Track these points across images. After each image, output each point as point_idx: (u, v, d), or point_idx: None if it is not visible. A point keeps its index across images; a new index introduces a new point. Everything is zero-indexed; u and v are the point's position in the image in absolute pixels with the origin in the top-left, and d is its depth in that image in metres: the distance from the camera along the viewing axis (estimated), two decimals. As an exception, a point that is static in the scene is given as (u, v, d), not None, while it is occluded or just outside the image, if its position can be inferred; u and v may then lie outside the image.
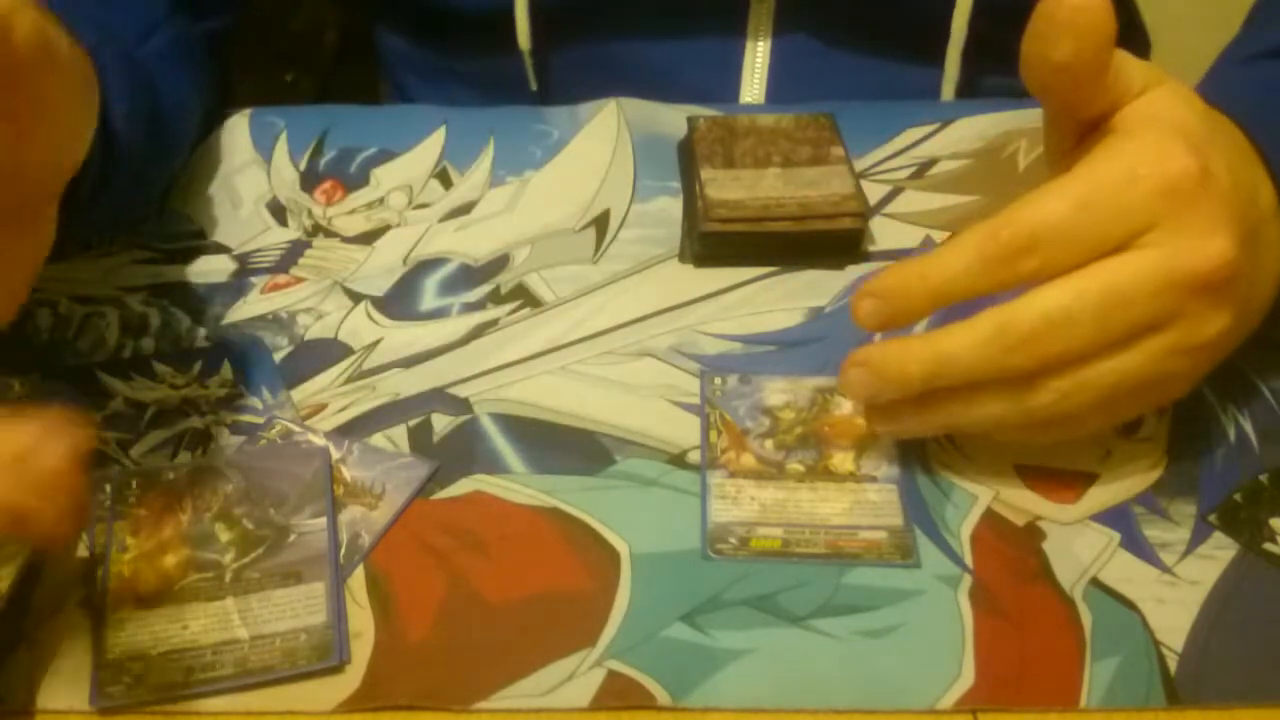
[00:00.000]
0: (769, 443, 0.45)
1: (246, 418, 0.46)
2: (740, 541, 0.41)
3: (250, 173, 0.59)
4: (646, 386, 0.47)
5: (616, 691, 0.37)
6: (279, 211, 0.56)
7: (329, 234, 0.55)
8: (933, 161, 0.58)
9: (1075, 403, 0.39)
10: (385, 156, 0.59)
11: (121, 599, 0.39)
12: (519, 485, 0.44)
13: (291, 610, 0.39)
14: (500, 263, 0.53)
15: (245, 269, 0.53)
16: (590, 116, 0.61)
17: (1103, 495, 0.43)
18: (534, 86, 0.67)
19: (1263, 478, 0.44)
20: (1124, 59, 0.39)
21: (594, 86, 0.62)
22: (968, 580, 0.40)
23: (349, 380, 0.48)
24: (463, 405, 0.47)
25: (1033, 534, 0.42)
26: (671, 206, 0.56)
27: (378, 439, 0.45)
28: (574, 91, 0.62)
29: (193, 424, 0.46)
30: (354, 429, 0.46)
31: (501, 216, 0.56)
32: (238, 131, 0.61)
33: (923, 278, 0.39)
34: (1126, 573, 0.41)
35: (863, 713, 0.37)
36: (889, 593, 0.40)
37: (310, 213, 0.56)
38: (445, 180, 0.58)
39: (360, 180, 0.58)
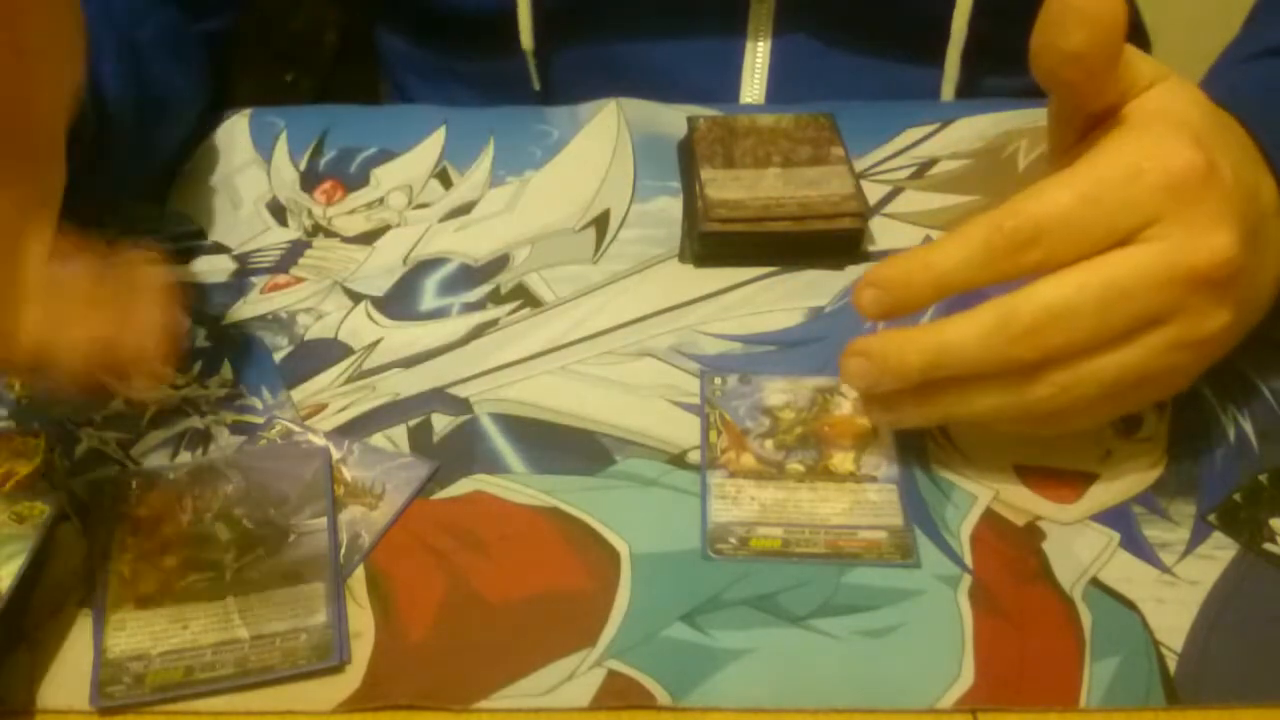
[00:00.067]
0: (769, 443, 0.45)
1: (246, 418, 0.46)
2: (740, 541, 0.41)
3: (250, 173, 0.59)
4: (646, 386, 0.47)
5: (616, 691, 0.37)
6: (279, 211, 0.56)
7: (329, 234, 0.55)
8: (933, 161, 0.58)
9: (1074, 396, 0.39)
10: (385, 156, 0.59)
11: (121, 599, 0.39)
12: (519, 485, 0.44)
13: (291, 610, 0.39)
14: (500, 263, 0.53)
15: (245, 269, 0.53)
16: (590, 116, 0.61)
17: (1103, 495, 0.43)
18: (537, 87, 0.67)
19: (1263, 478, 0.44)
20: (1132, 53, 0.39)
21: (594, 86, 0.62)
22: (967, 580, 0.40)
23: (349, 380, 0.48)
24: (463, 405, 0.47)
25: (1033, 534, 0.42)
26: (671, 206, 0.56)
27: (378, 439, 0.45)
28: (574, 91, 0.62)
29: (193, 424, 0.46)
30: (354, 429, 0.46)
31: (501, 216, 0.56)
32: (238, 131, 0.61)
33: (926, 267, 0.39)
34: (1126, 573, 0.41)
35: (863, 713, 0.37)
36: (889, 593, 0.40)
37: (310, 213, 0.56)
38: (445, 180, 0.58)
39: (360, 180, 0.58)
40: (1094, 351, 0.38)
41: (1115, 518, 0.42)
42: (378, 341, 0.50)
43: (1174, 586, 0.40)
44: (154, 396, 0.40)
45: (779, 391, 0.47)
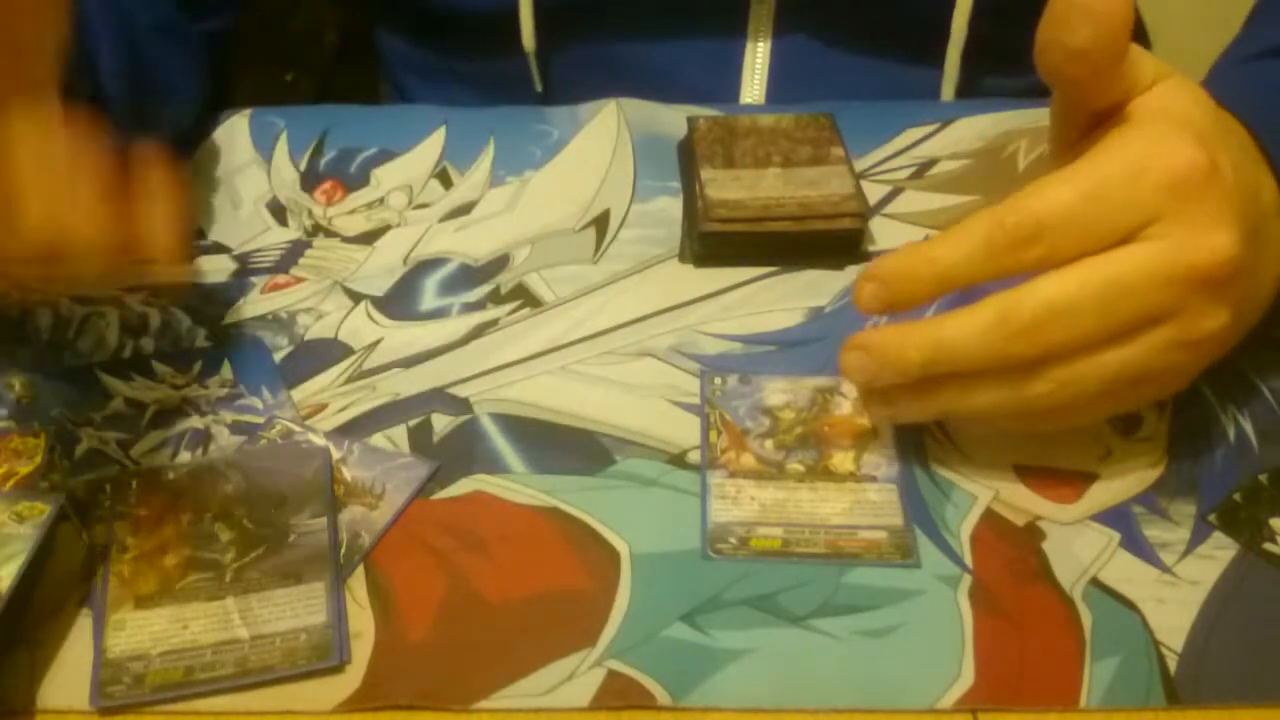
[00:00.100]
0: (769, 443, 0.45)
1: (246, 418, 0.46)
2: (740, 541, 0.41)
3: (250, 173, 0.59)
4: (646, 386, 0.47)
5: (616, 691, 0.37)
6: (279, 211, 0.56)
7: (329, 234, 0.55)
8: (933, 161, 0.58)
9: (1074, 393, 0.39)
10: (385, 156, 0.59)
11: (121, 599, 0.39)
12: (519, 485, 0.44)
13: (291, 610, 0.39)
14: (500, 263, 0.53)
15: (245, 269, 0.53)
16: (590, 116, 0.61)
17: (1103, 495, 0.43)
18: (539, 87, 0.67)
19: (1263, 478, 0.44)
20: (1136, 52, 0.39)
21: (594, 87, 0.62)
22: (967, 580, 0.40)
23: (349, 380, 0.48)
24: (463, 405, 0.47)
25: (1033, 534, 0.42)
26: (671, 206, 0.56)
27: (378, 439, 0.45)
28: (574, 92, 0.62)
29: (193, 424, 0.46)
30: (354, 429, 0.46)
31: (501, 216, 0.56)
32: (238, 131, 0.61)
33: (927, 262, 0.39)
34: (1126, 573, 0.41)
35: (863, 713, 0.37)
36: (889, 593, 0.40)
37: (310, 213, 0.56)
38: (445, 180, 0.58)
39: (360, 180, 0.58)
40: (1094, 349, 0.38)
41: (1115, 518, 0.42)
42: (378, 341, 0.50)
43: (1174, 586, 0.40)
44: (180, 279, 0.41)
45: (779, 391, 0.47)
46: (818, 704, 0.37)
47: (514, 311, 0.51)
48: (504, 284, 0.52)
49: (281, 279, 0.53)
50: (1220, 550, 0.41)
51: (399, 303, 0.51)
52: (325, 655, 0.38)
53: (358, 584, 0.40)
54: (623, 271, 0.53)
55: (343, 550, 0.41)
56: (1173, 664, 0.38)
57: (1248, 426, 0.46)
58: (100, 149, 0.37)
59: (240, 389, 0.47)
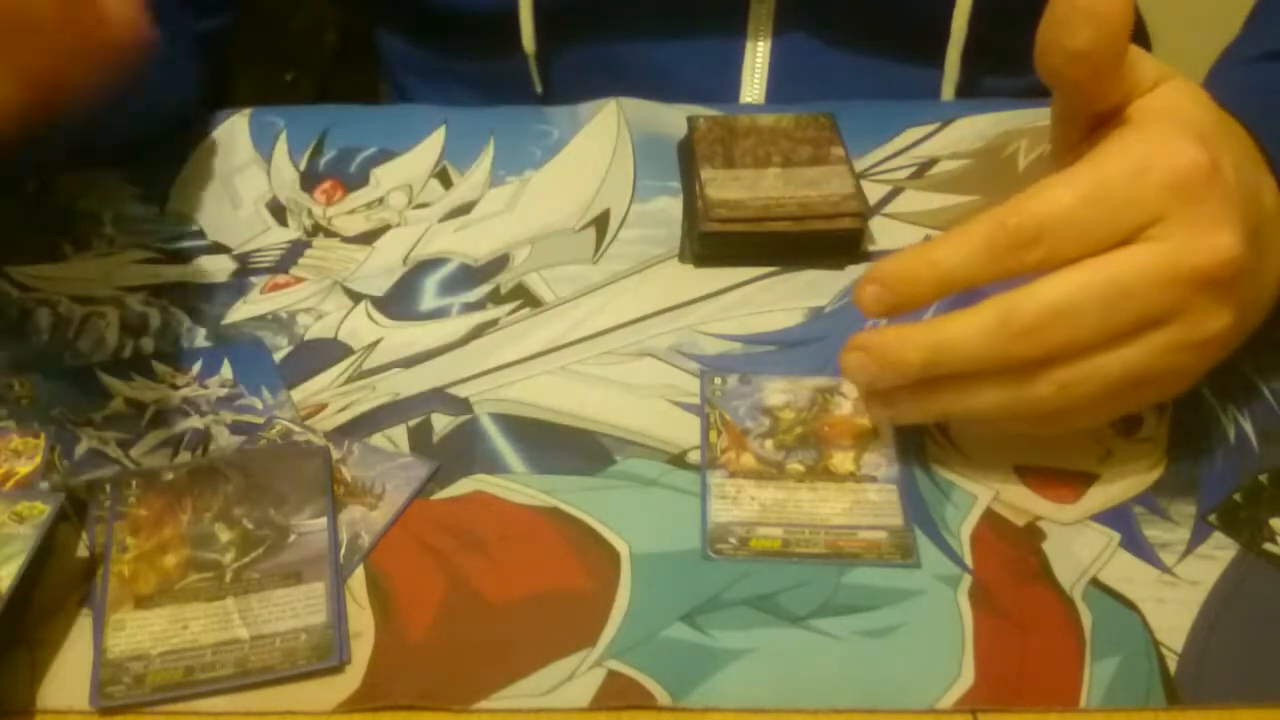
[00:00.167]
0: (769, 443, 0.45)
1: (246, 418, 0.46)
2: (740, 541, 0.41)
3: (250, 172, 0.59)
4: (646, 386, 0.47)
5: (616, 691, 0.37)
6: (279, 211, 0.56)
7: (329, 234, 0.55)
8: (933, 161, 0.58)
9: (1075, 395, 0.39)
10: (385, 156, 0.59)
11: (121, 599, 0.39)
12: (519, 485, 0.44)
13: (291, 610, 0.39)
14: (500, 263, 0.53)
15: (245, 269, 0.53)
16: (590, 116, 0.61)
17: (1103, 495, 0.43)
18: (539, 88, 0.67)
19: (1263, 478, 0.44)
20: (1136, 53, 0.39)
21: (594, 87, 0.62)
22: (967, 580, 0.40)
23: (349, 380, 0.48)
24: (463, 405, 0.47)
25: (1033, 534, 0.42)
26: (671, 206, 0.56)
27: (378, 439, 0.45)
28: (574, 92, 0.62)
29: (193, 424, 0.46)
30: (354, 429, 0.46)
31: (501, 216, 0.56)
32: (238, 131, 0.61)
33: (929, 265, 0.39)
34: (1126, 573, 0.41)
35: (863, 713, 0.37)
36: (889, 593, 0.40)
37: (310, 212, 0.56)
38: (445, 180, 0.58)
39: (360, 180, 0.58)
40: (1096, 350, 0.38)
41: (1115, 518, 0.42)
42: (378, 341, 0.50)
43: (1174, 586, 0.40)
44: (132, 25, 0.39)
45: (779, 391, 0.47)
46: (818, 704, 0.37)
47: (514, 311, 0.51)
48: (504, 284, 0.52)
49: (281, 279, 0.53)
50: (1220, 550, 0.41)
51: (399, 303, 0.51)
52: (325, 655, 0.38)
53: (358, 584, 0.40)
54: (623, 271, 0.53)
55: (343, 550, 0.41)
56: (1173, 664, 0.38)
57: (1248, 427, 0.46)
58: None
59: (240, 389, 0.47)
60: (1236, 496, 0.43)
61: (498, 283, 0.52)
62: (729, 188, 0.53)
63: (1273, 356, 0.47)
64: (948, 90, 0.65)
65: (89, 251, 0.54)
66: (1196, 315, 0.38)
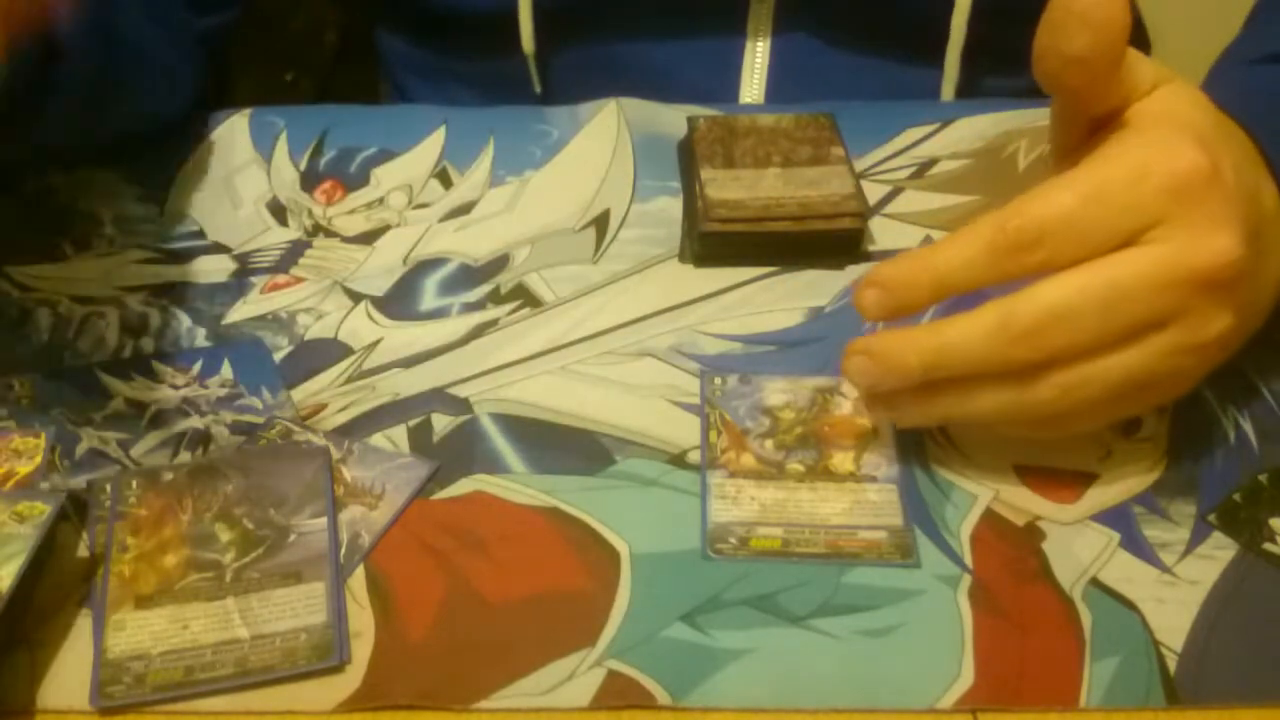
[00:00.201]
0: (769, 443, 0.45)
1: (246, 418, 0.46)
2: (740, 541, 0.41)
3: (250, 172, 0.59)
4: (646, 386, 0.47)
5: (616, 691, 0.37)
6: (279, 211, 0.56)
7: (329, 234, 0.55)
8: (933, 161, 0.58)
9: (1076, 398, 0.39)
10: (385, 156, 0.59)
11: (122, 599, 0.39)
12: (519, 485, 0.44)
13: (291, 610, 0.39)
14: (500, 263, 0.53)
15: (245, 269, 0.53)
16: (590, 116, 0.61)
17: (1103, 495, 0.43)
18: (538, 89, 0.67)
19: (1262, 478, 0.44)
20: (1135, 57, 0.39)
21: (594, 87, 0.62)
22: (967, 580, 0.40)
23: (349, 380, 0.48)
24: (463, 405, 0.47)
25: (1032, 534, 0.42)
26: (671, 206, 0.56)
27: (378, 439, 0.45)
28: (574, 92, 0.62)
29: (193, 424, 0.46)
30: (354, 429, 0.46)
31: (501, 216, 0.56)
32: (238, 131, 0.61)
33: (928, 268, 0.39)
34: (1126, 573, 0.41)
35: (863, 712, 0.37)
36: (889, 593, 0.40)
37: (310, 212, 0.56)
38: (445, 180, 0.58)
39: (360, 180, 0.58)
40: (1097, 353, 0.38)
41: (1115, 518, 0.43)
42: (378, 341, 0.50)
43: (1174, 586, 0.40)
44: None
45: (779, 391, 0.47)
46: (818, 704, 0.37)
47: (514, 311, 0.51)
48: (504, 284, 0.52)
49: (281, 279, 0.53)
50: (1220, 550, 0.41)
51: (399, 303, 0.51)
52: (325, 655, 0.38)
53: (358, 584, 0.40)
54: (623, 271, 0.53)
55: (343, 550, 0.41)
56: (1172, 664, 0.38)
57: (1248, 427, 0.46)
58: None
59: (240, 389, 0.47)
60: (1236, 496, 0.43)
61: (498, 283, 0.52)
62: (729, 188, 0.53)
63: (1273, 357, 0.47)
64: (947, 90, 0.65)
65: (89, 251, 0.54)
66: (1197, 318, 0.38)
